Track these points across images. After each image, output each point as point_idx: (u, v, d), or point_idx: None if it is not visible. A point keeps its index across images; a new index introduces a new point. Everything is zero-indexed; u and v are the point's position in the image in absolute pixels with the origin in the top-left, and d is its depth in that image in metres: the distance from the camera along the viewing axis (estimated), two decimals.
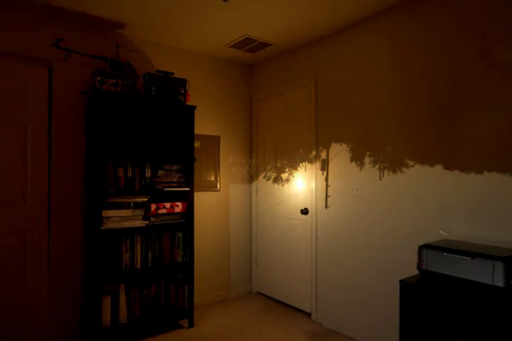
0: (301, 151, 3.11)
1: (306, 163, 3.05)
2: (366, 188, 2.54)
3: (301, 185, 3.10)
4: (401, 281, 1.81)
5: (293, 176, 3.19)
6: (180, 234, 2.78)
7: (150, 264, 2.63)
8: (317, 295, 2.91)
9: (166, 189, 2.67)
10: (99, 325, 2.37)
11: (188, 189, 2.77)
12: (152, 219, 2.61)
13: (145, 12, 2.46)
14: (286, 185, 3.27)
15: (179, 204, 2.74)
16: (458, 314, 1.56)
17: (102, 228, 2.36)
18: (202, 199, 3.28)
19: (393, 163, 2.38)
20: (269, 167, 3.47)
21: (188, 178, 2.79)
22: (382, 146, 2.45)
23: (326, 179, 2.85)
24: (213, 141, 3.38)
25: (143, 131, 2.61)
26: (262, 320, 2.91)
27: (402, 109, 2.34)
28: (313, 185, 2.96)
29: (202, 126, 3.30)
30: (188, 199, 2.79)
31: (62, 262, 2.53)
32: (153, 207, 2.60)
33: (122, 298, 2.50)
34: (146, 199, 2.61)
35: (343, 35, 2.75)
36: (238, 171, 3.57)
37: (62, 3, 2.34)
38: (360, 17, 2.53)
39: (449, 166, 2.09)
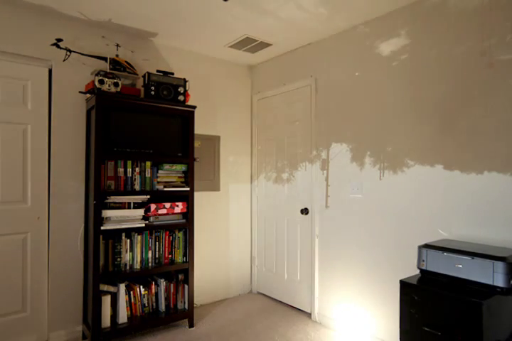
0: (301, 151, 3.10)
1: (307, 162, 3.05)
2: (366, 188, 2.54)
3: (302, 184, 3.10)
4: (401, 281, 1.81)
5: (293, 176, 3.19)
6: (180, 234, 2.78)
7: (150, 264, 2.63)
8: (317, 295, 2.91)
9: (166, 189, 2.67)
10: (99, 325, 2.37)
11: (188, 189, 2.77)
12: (152, 219, 2.61)
13: (145, 17, 2.47)
14: (286, 185, 3.27)
15: (179, 204, 2.74)
16: (458, 314, 1.56)
17: (102, 228, 2.36)
18: (202, 199, 3.28)
19: (393, 163, 2.38)
20: (269, 167, 3.47)
21: (188, 178, 2.79)
22: (382, 146, 2.45)
23: (326, 179, 2.85)
24: (213, 141, 3.38)
25: (143, 130, 2.61)
26: (262, 320, 2.91)
27: (402, 109, 2.34)
28: (313, 185, 2.96)
29: (202, 126, 3.30)
30: (188, 200, 2.79)
31: (62, 262, 2.53)
32: (153, 207, 2.60)
33: (122, 297, 2.51)
34: (146, 200, 2.61)
35: (343, 35, 2.75)
36: (238, 171, 3.57)
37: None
38: (360, 18, 2.53)
39: (449, 166, 2.09)
